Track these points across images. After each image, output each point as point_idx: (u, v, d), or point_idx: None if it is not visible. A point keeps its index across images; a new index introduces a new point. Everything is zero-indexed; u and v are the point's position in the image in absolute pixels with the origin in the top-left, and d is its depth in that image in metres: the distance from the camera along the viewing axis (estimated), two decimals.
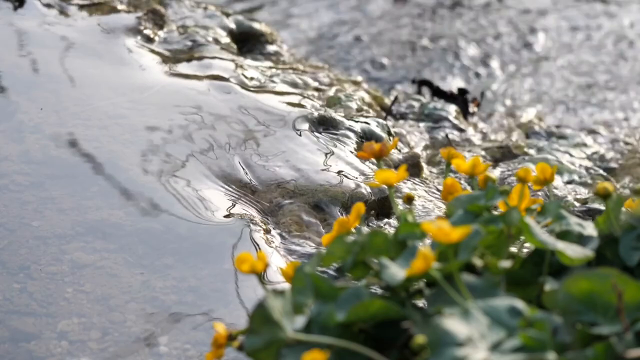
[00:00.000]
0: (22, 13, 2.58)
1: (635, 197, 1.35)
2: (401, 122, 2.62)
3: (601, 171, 2.45)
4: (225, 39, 2.65)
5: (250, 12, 3.62)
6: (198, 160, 2.07)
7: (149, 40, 2.55)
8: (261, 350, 1.17)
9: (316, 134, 2.23)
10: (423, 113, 2.65)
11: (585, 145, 2.61)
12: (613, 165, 2.51)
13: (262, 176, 2.06)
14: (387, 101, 2.67)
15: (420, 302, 1.25)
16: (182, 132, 2.16)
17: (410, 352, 1.17)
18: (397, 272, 1.22)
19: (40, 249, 1.80)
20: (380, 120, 2.37)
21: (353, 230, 1.38)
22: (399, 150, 2.37)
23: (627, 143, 2.67)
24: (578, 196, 2.26)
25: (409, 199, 1.43)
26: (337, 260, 1.31)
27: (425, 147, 2.49)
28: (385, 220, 2.03)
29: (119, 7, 2.68)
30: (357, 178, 2.10)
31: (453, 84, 3.21)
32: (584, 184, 2.35)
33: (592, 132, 2.77)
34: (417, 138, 2.52)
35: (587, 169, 2.45)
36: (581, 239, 1.29)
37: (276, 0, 3.84)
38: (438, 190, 2.20)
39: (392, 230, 1.89)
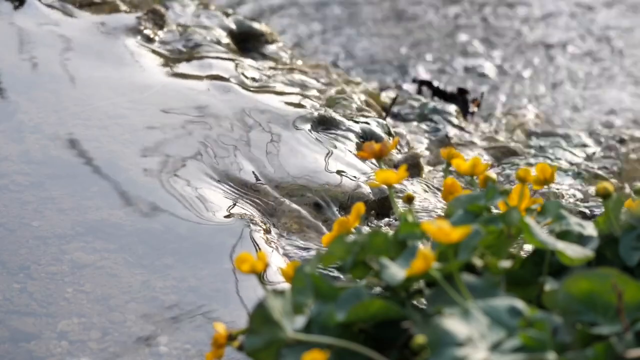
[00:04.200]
0: (22, 13, 2.58)
1: (636, 197, 1.35)
2: (401, 122, 2.62)
3: (601, 171, 2.45)
4: (225, 39, 2.65)
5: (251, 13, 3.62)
6: (198, 160, 2.07)
7: (149, 40, 2.55)
8: (261, 350, 1.17)
9: (316, 133, 2.23)
10: (423, 113, 2.65)
11: (585, 145, 2.61)
12: (613, 165, 2.51)
13: (262, 176, 2.06)
14: (387, 100, 2.67)
15: (420, 302, 1.25)
16: (182, 132, 2.16)
17: (410, 352, 1.17)
18: (397, 272, 1.22)
19: (40, 249, 1.80)
20: (380, 120, 2.37)
21: (353, 230, 1.38)
22: (399, 150, 2.37)
23: (627, 142, 2.67)
24: (578, 196, 2.26)
25: (409, 199, 1.43)
26: (337, 260, 1.31)
27: (426, 147, 2.49)
28: (386, 220, 2.03)
29: (119, 7, 2.68)
30: (357, 178, 2.10)
31: (453, 83, 3.21)
32: (584, 184, 2.35)
33: (592, 132, 2.77)
34: (417, 138, 2.52)
35: (587, 168, 2.45)
36: (581, 239, 1.29)
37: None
38: (438, 190, 2.20)
39: (392, 230, 1.89)
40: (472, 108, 2.85)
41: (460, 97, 2.86)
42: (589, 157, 2.54)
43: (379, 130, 2.32)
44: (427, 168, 2.33)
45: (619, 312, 1.11)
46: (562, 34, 3.66)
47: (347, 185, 2.06)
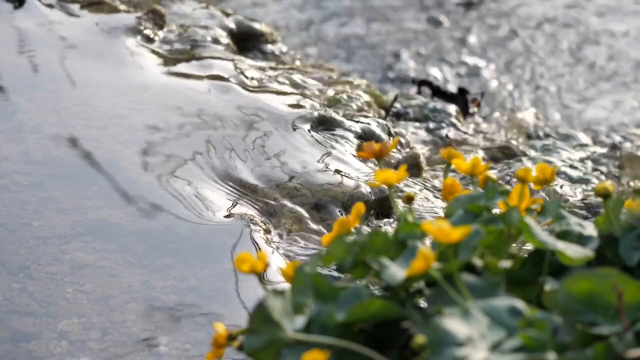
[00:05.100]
0: (22, 13, 2.58)
1: (635, 197, 1.35)
2: (401, 122, 2.62)
3: (601, 171, 2.45)
4: (225, 39, 2.65)
5: (250, 11, 3.62)
6: (198, 160, 2.07)
7: (149, 40, 2.55)
8: (261, 350, 1.17)
9: (316, 134, 2.23)
10: (423, 113, 2.65)
11: (585, 145, 2.61)
12: (613, 165, 2.51)
13: (262, 176, 2.06)
14: (387, 100, 2.67)
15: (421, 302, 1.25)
16: (182, 132, 2.16)
17: (410, 352, 1.17)
18: (397, 272, 1.22)
19: (40, 249, 1.80)
20: (380, 120, 2.37)
21: (353, 230, 1.38)
22: (399, 150, 2.37)
23: (627, 142, 2.67)
24: (578, 196, 2.26)
25: (409, 199, 1.43)
26: (337, 260, 1.31)
27: (426, 147, 2.49)
28: (385, 220, 2.03)
29: (119, 7, 2.68)
30: (357, 178, 2.10)
31: (453, 83, 3.21)
32: (584, 184, 2.35)
33: (592, 132, 2.77)
34: (417, 138, 2.52)
35: (587, 169, 2.45)
36: (581, 239, 1.29)
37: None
38: (438, 190, 2.20)
39: (392, 230, 1.89)
40: (472, 108, 2.85)
41: (460, 97, 2.86)
42: (589, 157, 2.54)
43: (379, 130, 2.32)
44: (427, 168, 2.33)
45: (619, 312, 1.11)
46: (563, 35, 3.66)
47: (347, 185, 2.06)
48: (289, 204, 2.00)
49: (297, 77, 2.55)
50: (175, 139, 2.13)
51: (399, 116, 2.66)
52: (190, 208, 1.93)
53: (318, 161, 2.13)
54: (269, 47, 2.76)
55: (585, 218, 2.08)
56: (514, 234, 1.30)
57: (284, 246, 1.89)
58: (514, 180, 2.30)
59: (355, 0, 3.86)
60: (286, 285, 1.31)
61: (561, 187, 2.32)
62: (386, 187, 1.45)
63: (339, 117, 2.30)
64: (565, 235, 1.30)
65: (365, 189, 2.05)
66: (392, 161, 2.28)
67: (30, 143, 2.07)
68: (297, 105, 2.33)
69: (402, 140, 2.43)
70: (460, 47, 3.54)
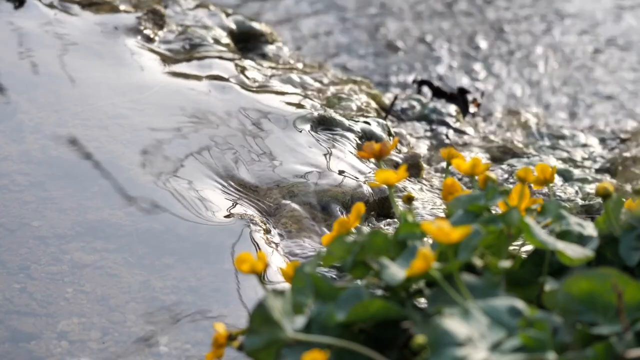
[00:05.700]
0: (22, 13, 2.58)
1: (636, 197, 1.35)
2: (401, 122, 2.62)
3: (601, 171, 2.45)
4: (225, 39, 2.65)
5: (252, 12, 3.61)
6: (198, 160, 2.07)
7: (149, 40, 2.55)
8: (261, 350, 1.18)
9: (316, 133, 2.23)
10: (423, 113, 2.65)
11: (585, 145, 2.61)
12: (613, 165, 2.51)
13: (262, 176, 2.06)
14: (387, 100, 2.67)
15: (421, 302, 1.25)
16: (182, 132, 2.16)
17: (410, 352, 1.17)
18: (397, 272, 1.22)
19: (40, 249, 1.80)
20: (380, 120, 2.37)
21: (353, 230, 1.38)
22: (399, 150, 2.37)
23: (627, 142, 2.67)
24: (578, 196, 2.26)
25: (409, 199, 1.43)
26: (337, 260, 1.31)
27: (425, 147, 2.49)
28: (385, 220, 2.03)
29: (119, 7, 2.68)
30: (357, 178, 2.10)
31: (453, 84, 3.21)
32: (583, 184, 2.35)
33: (592, 131, 2.77)
34: (417, 138, 2.52)
35: (587, 169, 2.45)
36: (581, 239, 1.29)
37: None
38: (438, 190, 2.20)
39: (392, 230, 1.89)
40: (472, 108, 2.85)
41: (460, 97, 2.86)
42: (589, 157, 2.54)
43: (379, 130, 2.32)
44: (427, 168, 2.33)
45: (619, 312, 1.11)
46: (563, 35, 3.66)
47: (347, 185, 2.06)
48: (289, 204, 2.00)
49: (297, 77, 2.55)
50: (175, 139, 2.13)
51: (399, 116, 2.66)
52: (190, 208, 1.93)
53: (318, 161, 2.13)
54: (269, 47, 2.76)
55: (590, 218, 2.08)
56: (514, 234, 1.30)
57: (284, 246, 1.89)
58: (512, 180, 2.30)
59: None
60: (286, 285, 1.32)
61: (562, 186, 2.32)
62: (386, 187, 1.45)
63: (339, 117, 2.30)
64: (565, 235, 1.30)
65: (366, 189, 2.05)
66: (395, 159, 2.29)
67: (30, 143, 2.07)
68: (297, 105, 2.33)
69: (402, 141, 2.43)
70: (461, 46, 3.54)
